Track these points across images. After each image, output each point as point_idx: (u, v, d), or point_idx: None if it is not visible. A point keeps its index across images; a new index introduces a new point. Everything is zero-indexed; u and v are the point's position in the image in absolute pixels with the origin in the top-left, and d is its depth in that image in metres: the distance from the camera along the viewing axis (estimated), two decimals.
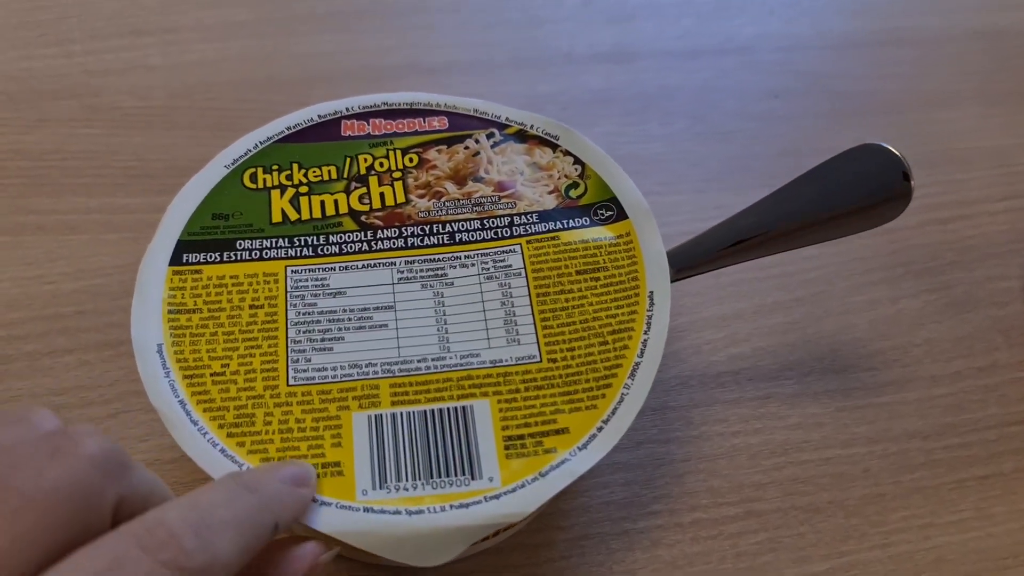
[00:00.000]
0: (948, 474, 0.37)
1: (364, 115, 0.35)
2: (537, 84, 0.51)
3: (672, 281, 0.31)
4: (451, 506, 0.26)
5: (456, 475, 0.27)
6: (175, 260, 0.31)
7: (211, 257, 0.31)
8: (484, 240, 0.32)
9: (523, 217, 0.33)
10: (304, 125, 0.35)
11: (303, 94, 0.49)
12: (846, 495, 0.36)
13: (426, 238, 0.32)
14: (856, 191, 0.32)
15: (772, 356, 0.40)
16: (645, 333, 0.30)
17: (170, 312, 0.30)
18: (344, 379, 0.29)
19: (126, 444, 0.35)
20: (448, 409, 0.28)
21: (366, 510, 0.26)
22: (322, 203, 0.33)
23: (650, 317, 0.30)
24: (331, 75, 0.50)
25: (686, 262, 0.32)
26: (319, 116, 0.35)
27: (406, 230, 0.32)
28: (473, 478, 0.27)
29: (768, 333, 0.41)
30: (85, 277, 0.40)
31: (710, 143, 0.48)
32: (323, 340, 0.30)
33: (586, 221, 0.33)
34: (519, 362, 0.29)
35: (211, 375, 0.29)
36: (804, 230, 0.32)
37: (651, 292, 0.31)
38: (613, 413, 0.28)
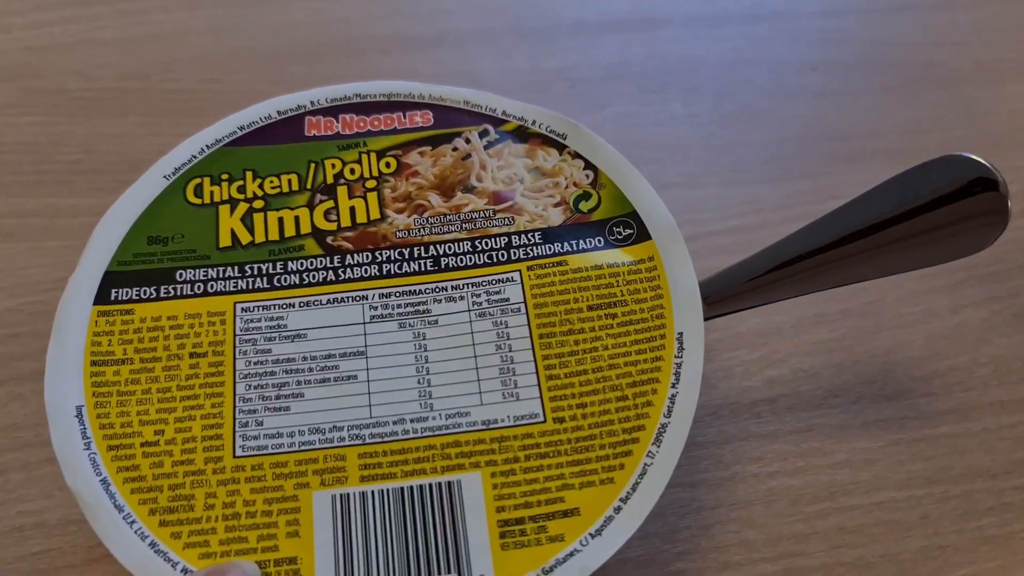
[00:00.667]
0: (1020, 520, 0.32)
1: (332, 110, 0.30)
2: (542, 58, 0.45)
3: (706, 319, 0.26)
4: None
5: (440, 574, 0.22)
6: (101, 297, 0.25)
7: (145, 293, 0.26)
8: (476, 266, 0.27)
9: (523, 237, 0.27)
10: (260, 124, 0.29)
11: (274, 71, 0.43)
12: (901, 548, 0.31)
13: (405, 264, 0.27)
14: (937, 214, 0.26)
15: (815, 380, 0.35)
16: (673, 386, 0.24)
17: (93, 364, 0.24)
18: (303, 448, 0.23)
19: (64, 498, 0.30)
20: (430, 485, 0.23)
21: None
22: (280, 221, 0.27)
23: (679, 365, 0.25)
24: (306, 49, 0.44)
25: (723, 295, 0.27)
26: (278, 112, 0.30)
27: (381, 254, 0.27)
28: None
29: (810, 352, 0.36)
30: (21, 294, 0.35)
31: (740, 125, 0.42)
32: (278, 397, 0.24)
33: (600, 242, 0.27)
34: (518, 423, 0.24)
35: (142, 445, 0.23)
36: (873, 260, 0.26)
37: (680, 333, 0.25)
38: (634, 489, 0.23)
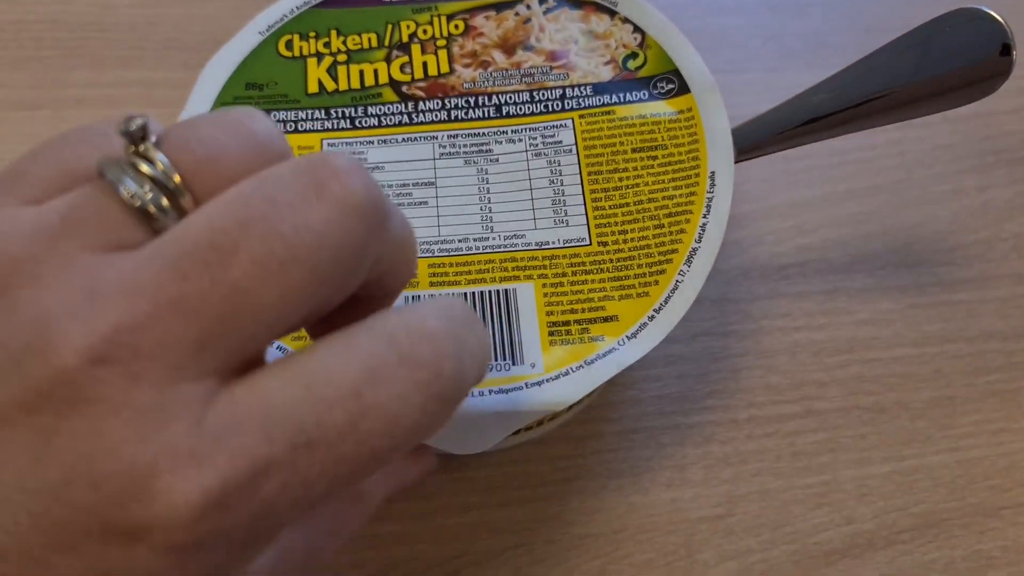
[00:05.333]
0: None
1: None
2: None
3: (736, 161, 0.29)
4: (491, 391, 0.25)
5: (496, 360, 0.25)
6: None
7: None
8: (533, 114, 0.30)
9: (576, 89, 0.30)
10: None
11: None
12: (913, 396, 0.34)
13: (471, 110, 0.30)
14: (946, 63, 0.28)
15: (843, 248, 0.38)
16: (704, 216, 0.27)
17: None
18: None
19: None
20: (490, 292, 0.27)
21: None
22: (361, 72, 0.31)
23: (710, 200, 0.28)
24: None
25: (752, 140, 0.30)
26: None
27: (449, 102, 0.30)
28: (514, 363, 0.25)
29: (840, 223, 0.38)
30: None
31: (785, 16, 0.45)
32: None
33: (644, 95, 0.30)
34: (567, 245, 0.27)
35: None
36: (885, 107, 0.29)
37: (712, 172, 0.28)
38: (666, 302, 0.26)
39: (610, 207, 0.28)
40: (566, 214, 0.28)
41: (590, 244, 0.27)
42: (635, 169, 0.28)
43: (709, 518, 0.32)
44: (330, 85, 0.30)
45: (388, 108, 0.30)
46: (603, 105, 0.30)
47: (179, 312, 0.14)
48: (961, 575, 0.31)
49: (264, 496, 0.14)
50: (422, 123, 0.30)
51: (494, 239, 0.27)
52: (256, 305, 0.14)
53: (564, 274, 0.27)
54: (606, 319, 0.26)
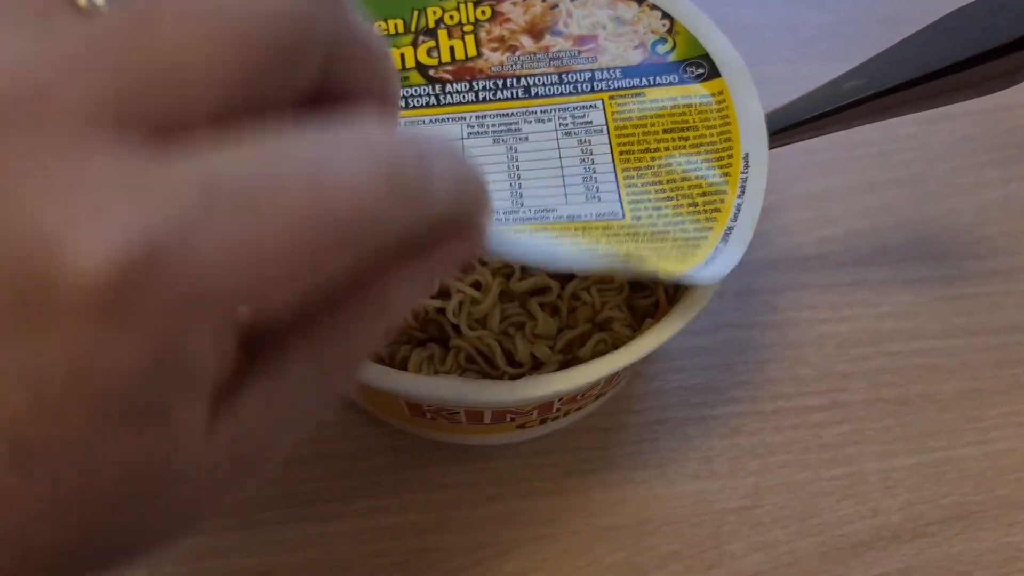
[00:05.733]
0: None
1: None
2: None
3: (770, 147, 0.28)
4: None
5: None
6: None
7: None
8: (562, 95, 0.29)
9: (605, 72, 0.30)
10: None
11: None
12: (939, 389, 0.34)
13: (498, 92, 0.30)
14: (979, 50, 0.28)
15: (865, 240, 0.37)
16: (739, 197, 0.27)
17: None
18: None
19: None
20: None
21: None
22: None
23: (744, 180, 0.27)
24: None
25: (784, 126, 0.29)
26: None
27: (477, 84, 0.30)
28: None
29: (862, 215, 0.38)
30: None
31: (804, 8, 0.44)
32: None
33: (675, 78, 0.30)
34: (600, 218, 0.27)
35: None
36: (916, 95, 0.29)
37: (746, 154, 0.28)
38: (705, 267, 0.26)
39: (643, 184, 0.28)
40: (598, 190, 0.27)
41: (624, 218, 0.27)
42: (667, 149, 0.28)
43: (736, 509, 0.31)
44: None
45: (415, 91, 0.30)
46: (633, 87, 0.29)
47: (91, 60, 0.13)
48: (989, 567, 0.30)
49: (203, 261, 0.12)
50: (450, 104, 0.29)
51: (524, 212, 0.27)
52: (181, 63, 0.13)
53: (599, 241, 0.26)
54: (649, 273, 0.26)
